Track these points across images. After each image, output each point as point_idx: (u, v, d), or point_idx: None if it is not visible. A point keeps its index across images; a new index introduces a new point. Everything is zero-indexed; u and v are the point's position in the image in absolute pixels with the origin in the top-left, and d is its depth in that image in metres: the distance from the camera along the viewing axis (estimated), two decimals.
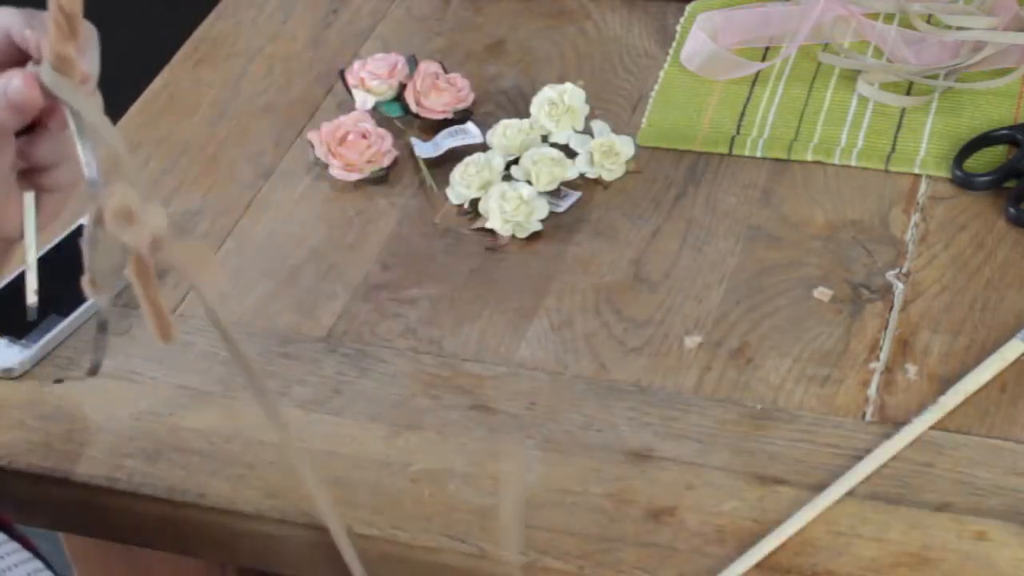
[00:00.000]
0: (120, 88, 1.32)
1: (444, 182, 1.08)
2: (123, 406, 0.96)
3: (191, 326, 1.00)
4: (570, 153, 1.09)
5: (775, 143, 1.10)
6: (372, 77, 1.14)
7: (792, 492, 0.87)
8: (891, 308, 0.97)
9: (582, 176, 1.08)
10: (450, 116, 1.13)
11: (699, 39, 1.17)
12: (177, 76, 1.23)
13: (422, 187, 1.10)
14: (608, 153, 1.08)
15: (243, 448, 0.93)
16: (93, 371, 0.86)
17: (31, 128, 0.80)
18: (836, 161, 1.08)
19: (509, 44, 1.22)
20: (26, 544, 0.83)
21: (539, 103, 1.11)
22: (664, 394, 0.93)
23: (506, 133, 1.09)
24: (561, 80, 1.14)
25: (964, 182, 1.05)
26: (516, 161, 1.08)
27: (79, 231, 0.97)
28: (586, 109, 1.11)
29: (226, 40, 1.26)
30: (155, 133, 1.17)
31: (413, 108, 1.13)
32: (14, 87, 0.77)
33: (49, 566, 0.83)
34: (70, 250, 0.99)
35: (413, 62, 1.16)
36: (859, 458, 0.88)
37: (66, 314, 1.00)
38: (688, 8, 1.22)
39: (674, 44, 1.19)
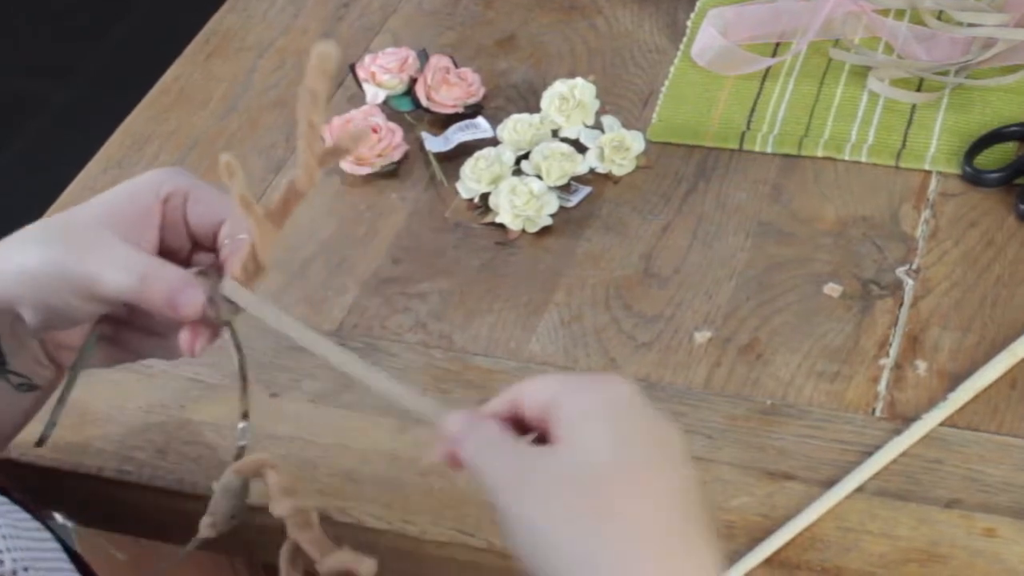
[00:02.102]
0: (131, 81, 1.33)
1: (454, 176, 1.08)
2: (133, 399, 0.96)
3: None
4: (580, 148, 1.09)
5: (785, 139, 1.10)
6: (383, 71, 1.14)
7: (801, 488, 0.87)
8: (901, 304, 0.97)
9: (592, 171, 1.08)
10: (460, 110, 1.13)
11: (710, 35, 1.17)
12: (188, 69, 1.23)
13: (432, 181, 1.10)
14: (618, 148, 1.08)
15: (253, 441, 0.93)
16: (41, 443, 0.86)
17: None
18: (846, 157, 1.08)
19: (520, 39, 1.22)
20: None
21: (549, 98, 1.11)
22: (674, 389, 0.94)
23: (516, 128, 1.09)
24: (572, 75, 1.14)
25: (975, 179, 1.05)
26: (526, 156, 1.08)
27: None
28: (596, 104, 1.11)
29: (237, 34, 1.26)
30: (166, 126, 1.17)
31: (424, 102, 1.13)
32: (193, 300, 0.78)
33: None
34: None
35: (424, 56, 1.16)
36: (868, 454, 0.88)
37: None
38: (699, 3, 1.22)
39: (685, 39, 1.19)
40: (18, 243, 0.80)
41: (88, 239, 0.78)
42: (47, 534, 0.80)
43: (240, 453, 0.82)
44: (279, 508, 0.74)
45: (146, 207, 0.81)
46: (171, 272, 0.78)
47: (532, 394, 0.71)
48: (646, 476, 0.67)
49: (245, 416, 0.83)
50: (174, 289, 0.78)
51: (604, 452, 0.67)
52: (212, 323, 0.80)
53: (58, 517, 0.96)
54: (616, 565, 0.64)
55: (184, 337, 0.80)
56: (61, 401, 0.84)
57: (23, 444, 0.94)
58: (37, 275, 0.78)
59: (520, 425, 0.71)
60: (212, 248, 0.83)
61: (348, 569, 0.73)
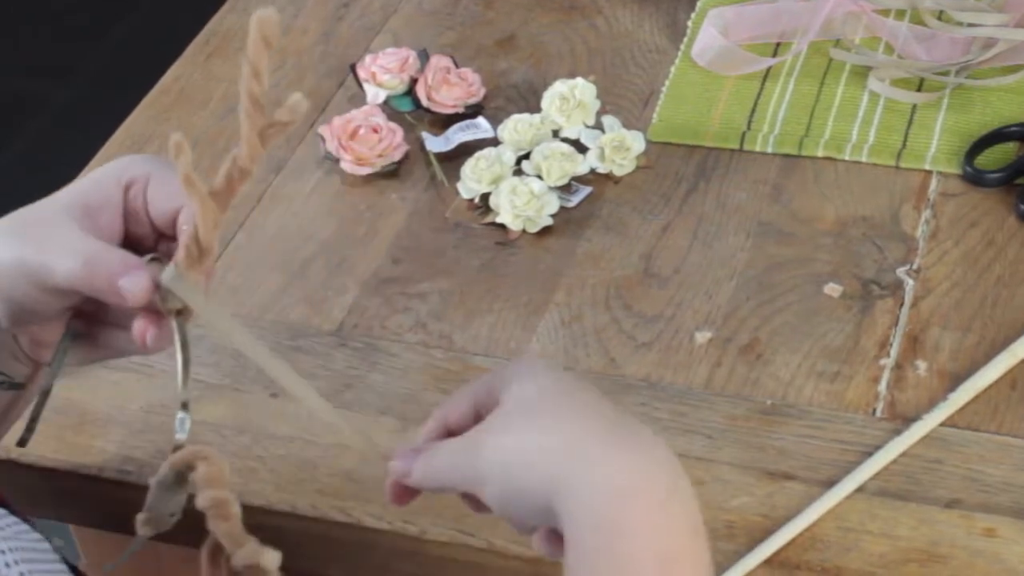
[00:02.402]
0: (132, 81, 1.33)
1: (455, 176, 1.08)
2: (134, 399, 0.96)
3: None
4: (581, 148, 1.09)
5: (786, 139, 1.10)
6: (383, 71, 1.14)
7: (802, 488, 0.87)
8: (901, 304, 0.97)
9: (592, 171, 1.08)
10: (461, 111, 1.13)
11: (710, 35, 1.17)
12: (188, 70, 1.23)
13: (433, 181, 1.10)
14: (619, 148, 1.08)
15: (253, 441, 0.93)
16: (22, 443, 0.85)
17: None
18: (847, 157, 1.08)
19: (520, 39, 1.22)
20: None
21: (550, 98, 1.11)
22: (674, 389, 0.94)
23: (517, 128, 1.09)
24: (572, 75, 1.14)
25: (975, 179, 1.05)
26: (527, 156, 1.08)
27: None
28: (597, 104, 1.11)
29: (237, 34, 1.26)
30: (166, 126, 1.17)
31: (424, 102, 1.13)
32: (136, 286, 0.76)
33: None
34: None
35: (424, 56, 1.16)
36: (869, 454, 0.88)
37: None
38: (699, 3, 1.22)
39: (685, 39, 1.19)
40: None
41: (46, 229, 0.78)
42: (47, 544, 0.80)
43: (178, 446, 0.79)
44: (200, 500, 0.72)
45: (107, 194, 0.80)
46: (114, 256, 0.77)
47: (455, 406, 0.75)
48: (580, 389, 0.73)
49: (184, 407, 0.80)
50: (115, 273, 0.76)
51: (536, 386, 0.72)
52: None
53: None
54: (582, 438, 0.69)
55: (137, 326, 0.77)
56: (41, 401, 0.83)
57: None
58: (5, 272, 0.77)
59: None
60: (173, 236, 0.81)
61: (255, 562, 0.72)
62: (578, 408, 0.71)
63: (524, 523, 0.72)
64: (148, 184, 0.80)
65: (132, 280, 0.75)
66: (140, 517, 0.76)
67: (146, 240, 0.81)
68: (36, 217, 0.79)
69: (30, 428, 0.83)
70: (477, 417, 0.74)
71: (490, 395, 0.73)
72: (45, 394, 0.83)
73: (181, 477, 0.75)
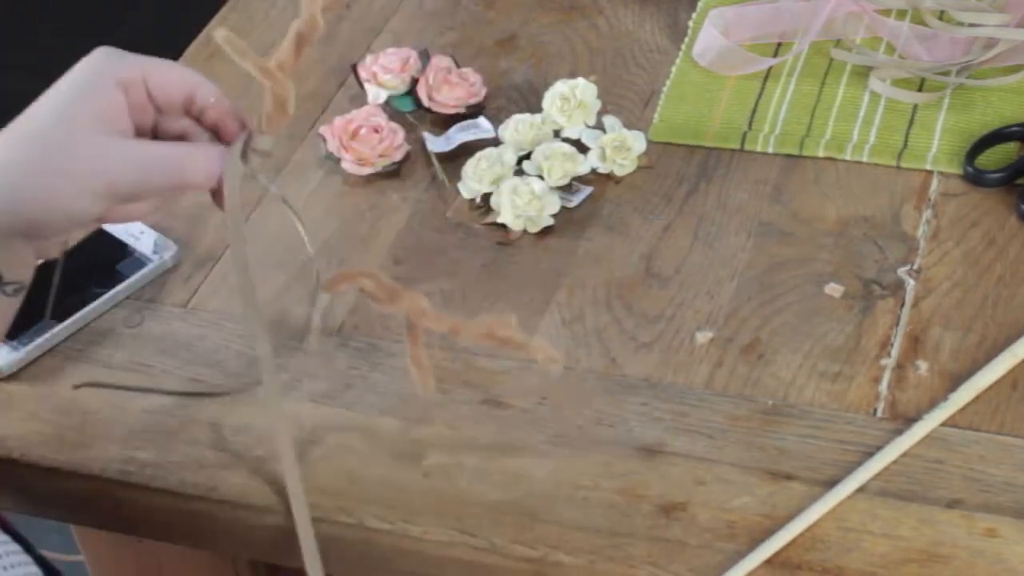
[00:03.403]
0: None
1: (456, 177, 1.08)
2: (135, 399, 0.96)
3: (203, 319, 1.00)
4: (582, 148, 1.09)
5: (787, 139, 1.10)
6: (384, 71, 1.14)
7: (803, 488, 0.87)
8: (902, 304, 0.97)
9: (594, 171, 1.08)
10: (462, 111, 1.13)
11: (711, 35, 1.17)
12: None
13: (434, 182, 1.10)
14: (620, 148, 1.08)
15: (254, 441, 0.93)
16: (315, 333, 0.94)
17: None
18: (848, 157, 1.08)
19: (521, 39, 1.22)
20: (26, 547, 0.84)
21: (551, 98, 1.11)
22: (675, 389, 0.94)
23: (518, 128, 1.10)
24: (573, 75, 1.14)
25: (976, 179, 1.05)
26: (528, 156, 1.08)
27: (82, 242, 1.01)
28: (598, 104, 1.11)
29: (238, 35, 1.25)
30: None
31: (425, 103, 1.13)
32: (208, 171, 0.85)
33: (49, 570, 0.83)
34: (68, 260, 1.00)
35: (425, 56, 1.16)
36: (870, 454, 0.88)
37: (60, 319, 1.00)
38: (700, 3, 1.22)
39: (686, 39, 1.19)
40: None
41: (82, 146, 0.83)
42: (16, 546, 0.80)
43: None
44: None
45: (112, 97, 0.84)
46: (202, 151, 0.85)
47: None
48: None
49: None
50: (213, 167, 0.84)
51: None
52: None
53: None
54: None
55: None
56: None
57: (24, 445, 0.94)
58: (33, 194, 0.82)
59: None
60: (175, 113, 0.87)
61: (488, 331, 0.83)
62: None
63: None
64: (147, 79, 0.86)
65: (222, 164, 0.85)
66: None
67: (147, 127, 0.87)
68: (57, 137, 0.83)
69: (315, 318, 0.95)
70: None
71: None
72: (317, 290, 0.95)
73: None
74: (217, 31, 0.82)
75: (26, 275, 0.85)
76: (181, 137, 0.88)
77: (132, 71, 0.85)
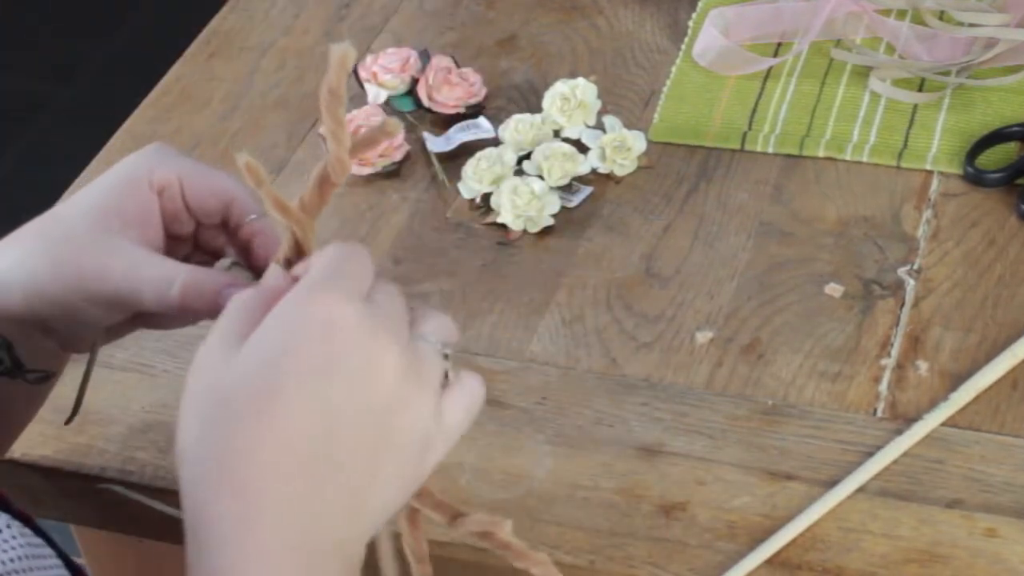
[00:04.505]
0: (133, 81, 1.33)
1: (456, 177, 1.08)
2: (135, 398, 0.96)
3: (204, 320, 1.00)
4: (582, 148, 1.09)
5: (787, 139, 1.10)
6: (384, 71, 1.14)
7: (803, 488, 0.87)
8: (902, 304, 0.97)
9: (594, 171, 1.08)
10: (462, 111, 1.13)
11: (711, 35, 1.17)
12: (190, 70, 1.23)
13: (434, 182, 1.10)
14: (620, 148, 1.08)
15: None
16: (71, 420, 0.85)
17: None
18: (848, 157, 1.08)
19: (521, 39, 1.22)
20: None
21: (551, 98, 1.11)
22: (675, 389, 0.94)
23: (518, 128, 1.10)
24: (573, 75, 1.14)
25: (976, 179, 1.05)
26: (528, 156, 1.08)
27: None
28: (598, 104, 1.11)
29: (239, 34, 1.26)
30: (167, 126, 1.17)
31: (425, 103, 1.13)
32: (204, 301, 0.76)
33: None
34: None
35: (425, 56, 1.16)
36: (870, 454, 0.88)
37: None
38: (700, 3, 1.22)
39: (686, 39, 1.19)
40: (19, 255, 0.78)
41: (101, 250, 0.77)
42: (49, 550, 0.80)
43: None
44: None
45: (144, 202, 0.79)
46: (209, 278, 0.76)
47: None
48: (284, 400, 0.65)
49: None
50: (216, 296, 0.76)
51: (255, 368, 0.66)
52: None
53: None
54: (226, 508, 0.65)
55: None
56: (85, 381, 0.83)
57: (25, 445, 0.94)
58: (50, 293, 0.77)
59: None
60: (216, 225, 0.81)
61: (485, 530, 0.73)
62: (264, 429, 0.65)
63: None
64: (183, 184, 0.80)
65: (230, 296, 0.73)
66: None
67: (185, 234, 0.81)
68: (74, 236, 0.78)
69: (78, 404, 0.84)
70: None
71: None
72: (87, 374, 0.83)
73: None
74: (240, 154, 0.70)
75: (52, 365, 0.82)
76: (223, 253, 0.81)
77: (168, 175, 0.79)
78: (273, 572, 0.65)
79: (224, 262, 0.80)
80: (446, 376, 0.71)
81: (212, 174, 0.80)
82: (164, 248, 0.80)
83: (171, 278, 0.76)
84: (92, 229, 0.77)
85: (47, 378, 0.83)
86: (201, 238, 0.82)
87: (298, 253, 0.74)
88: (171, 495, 0.91)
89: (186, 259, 0.80)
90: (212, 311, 0.75)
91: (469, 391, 0.71)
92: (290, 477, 0.65)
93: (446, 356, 0.71)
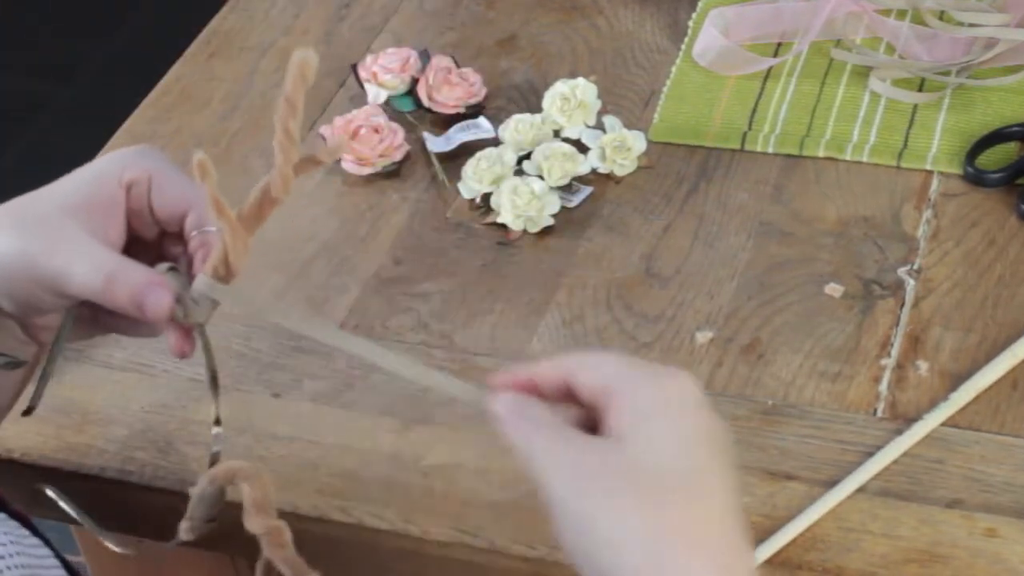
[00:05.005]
0: (133, 82, 1.33)
1: (456, 177, 1.08)
2: (135, 399, 0.96)
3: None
4: (582, 148, 1.09)
5: (787, 139, 1.10)
6: (384, 71, 1.14)
7: (803, 488, 0.87)
8: (902, 304, 0.97)
9: (594, 171, 1.08)
10: (462, 111, 1.13)
11: (711, 35, 1.17)
12: (190, 70, 1.23)
13: (434, 181, 1.10)
14: (620, 148, 1.08)
15: (254, 441, 0.93)
16: (28, 412, 0.85)
17: None
18: (848, 157, 1.08)
19: (521, 39, 1.22)
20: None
21: (551, 98, 1.11)
22: None
23: (518, 128, 1.10)
24: (573, 75, 1.14)
25: (976, 179, 1.05)
26: (528, 156, 1.08)
27: None
28: (598, 104, 1.11)
29: (239, 34, 1.26)
30: (167, 126, 1.17)
31: (425, 102, 1.13)
32: (159, 303, 0.76)
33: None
34: None
35: (425, 56, 1.16)
36: (870, 454, 0.88)
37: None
38: (700, 3, 1.22)
39: (686, 39, 1.19)
40: None
41: (54, 232, 0.78)
42: (46, 550, 0.80)
43: (214, 459, 0.81)
44: (252, 525, 0.73)
45: (110, 195, 0.79)
46: (137, 273, 0.77)
47: (589, 374, 0.69)
48: (710, 481, 0.67)
49: (217, 422, 0.82)
50: (139, 292, 0.76)
51: (670, 454, 0.66)
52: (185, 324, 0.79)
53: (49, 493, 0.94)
54: (680, 568, 0.64)
55: (172, 341, 0.79)
56: (44, 376, 0.83)
57: (25, 445, 0.94)
58: (5, 267, 0.78)
59: (566, 398, 0.70)
60: (179, 234, 0.81)
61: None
62: (703, 510, 0.66)
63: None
64: (151, 184, 0.80)
65: (156, 297, 0.76)
66: (182, 525, 0.78)
67: (149, 238, 0.82)
68: (38, 215, 0.79)
69: (36, 399, 0.84)
70: (566, 392, 0.70)
71: (621, 397, 0.68)
72: (48, 369, 0.83)
73: (220, 490, 0.76)
74: (196, 152, 0.72)
75: (19, 351, 0.83)
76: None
77: (139, 173, 0.80)
78: None
79: (162, 266, 0.79)
80: None
81: (180, 180, 0.81)
82: (126, 248, 0.81)
83: (101, 264, 0.77)
84: (56, 213, 0.78)
85: (17, 365, 0.83)
86: (165, 247, 0.82)
87: (226, 266, 0.74)
88: (171, 495, 0.91)
89: (149, 265, 0.80)
90: (136, 305, 0.76)
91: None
92: (719, 553, 0.66)
93: None
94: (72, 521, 0.86)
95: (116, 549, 0.81)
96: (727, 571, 0.65)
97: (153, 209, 0.81)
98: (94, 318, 0.83)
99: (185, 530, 0.78)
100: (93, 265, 0.77)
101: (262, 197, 0.73)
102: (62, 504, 0.86)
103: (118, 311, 0.78)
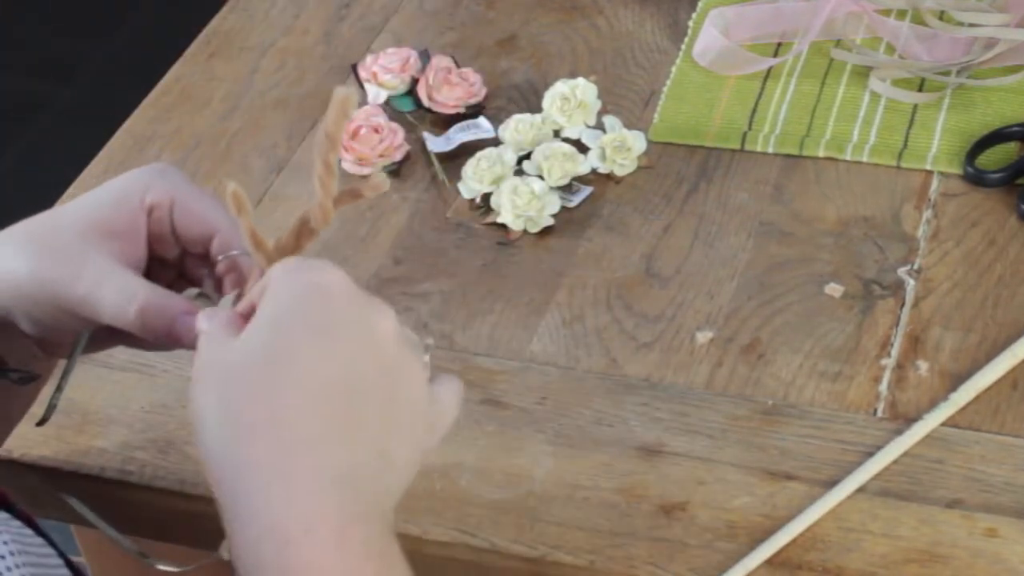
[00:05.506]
0: (133, 81, 1.33)
1: (456, 177, 1.08)
2: (135, 399, 0.96)
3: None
4: (582, 148, 1.09)
5: (787, 139, 1.10)
6: (384, 71, 1.14)
7: (803, 488, 0.87)
8: (902, 304, 0.97)
9: (594, 171, 1.08)
10: (462, 111, 1.13)
11: (711, 35, 1.17)
12: (190, 70, 1.23)
13: (434, 181, 1.10)
14: (620, 148, 1.08)
15: None
16: (42, 423, 0.85)
17: None
18: (848, 157, 1.08)
19: (521, 39, 1.22)
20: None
21: (551, 98, 1.11)
22: (675, 389, 0.94)
23: (518, 128, 1.10)
24: (573, 75, 1.14)
25: (976, 179, 1.05)
26: (528, 156, 1.08)
27: None
28: (598, 104, 1.11)
29: (239, 34, 1.26)
30: (168, 126, 1.17)
31: (425, 102, 1.13)
32: (191, 333, 0.74)
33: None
34: None
35: (425, 56, 1.16)
36: (870, 454, 0.88)
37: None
38: (700, 3, 1.22)
39: (686, 39, 1.19)
40: (3, 250, 0.78)
41: (77, 257, 0.76)
42: (50, 550, 0.80)
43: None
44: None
45: (131, 218, 0.78)
46: (169, 302, 0.76)
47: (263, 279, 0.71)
48: (298, 356, 0.67)
49: None
50: (173, 322, 0.75)
51: (263, 336, 0.68)
52: None
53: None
54: (261, 457, 0.66)
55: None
56: (60, 388, 0.83)
57: (25, 445, 0.94)
58: (27, 291, 0.77)
59: None
60: (202, 255, 0.80)
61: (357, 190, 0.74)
62: (286, 394, 0.67)
63: None
64: (173, 207, 0.79)
65: (188, 325, 0.75)
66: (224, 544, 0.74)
67: (171, 259, 0.81)
68: (59, 238, 0.77)
69: (50, 410, 0.84)
70: None
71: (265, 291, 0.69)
72: (64, 381, 0.83)
73: None
74: (228, 183, 0.71)
75: (33, 367, 0.82)
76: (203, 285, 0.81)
77: (162, 196, 0.78)
78: (317, 507, 0.66)
79: (191, 292, 0.79)
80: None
81: (204, 202, 0.79)
82: (146, 268, 0.79)
83: (133, 294, 0.76)
84: (77, 237, 0.77)
85: (32, 379, 0.83)
86: (186, 266, 0.81)
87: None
88: (171, 495, 0.91)
89: (169, 285, 0.79)
90: (168, 335, 0.75)
91: (453, 382, 0.74)
92: (316, 417, 0.67)
93: (425, 348, 0.73)
94: (90, 526, 0.86)
95: (162, 568, 0.81)
96: (329, 439, 0.66)
97: (176, 232, 0.79)
98: (110, 334, 0.83)
99: (226, 548, 0.78)
100: (123, 294, 0.76)
101: (300, 228, 0.73)
102: (88, 516, 0.86)
103: (149, 338, 0.77)
